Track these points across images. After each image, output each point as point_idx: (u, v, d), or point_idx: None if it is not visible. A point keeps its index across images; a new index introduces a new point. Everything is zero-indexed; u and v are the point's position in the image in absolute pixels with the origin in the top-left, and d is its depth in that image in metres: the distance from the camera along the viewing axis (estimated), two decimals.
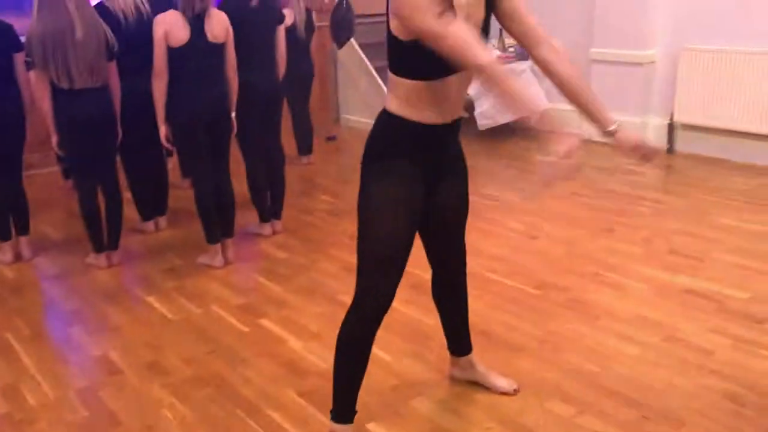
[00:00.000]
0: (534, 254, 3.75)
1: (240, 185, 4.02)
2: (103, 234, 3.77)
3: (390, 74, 1.94)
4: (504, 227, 4.15)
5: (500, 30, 6.57)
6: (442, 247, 2.26)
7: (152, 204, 4.29)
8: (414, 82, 1.88)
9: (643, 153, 2.02)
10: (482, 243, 3.83)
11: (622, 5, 5.62)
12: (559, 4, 6.22)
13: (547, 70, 2.02)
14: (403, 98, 1.92)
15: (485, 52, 1.75)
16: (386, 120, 1.98)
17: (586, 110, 2.00)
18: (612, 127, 1.97)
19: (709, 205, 4.37)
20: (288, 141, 4.88)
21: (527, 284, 3.38)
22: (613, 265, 3.57)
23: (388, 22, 1.86)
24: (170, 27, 3.38)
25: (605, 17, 5.77)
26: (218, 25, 3.50)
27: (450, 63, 1.78)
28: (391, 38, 1.86)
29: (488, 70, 1.75)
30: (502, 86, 1.77)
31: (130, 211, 4.12)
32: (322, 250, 3.96)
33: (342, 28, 6.08)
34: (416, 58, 1.83)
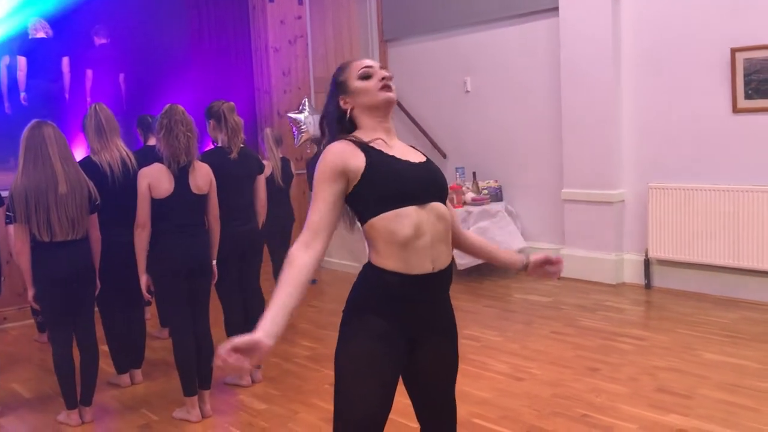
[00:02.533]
0: (521, 397, 3.67)
1: (219, 334, 3.96)
2: (76, 389, 3.64)
3: (362, 228, 1.97)
4: (489, 369, 4.08)
5: (474, 173, 6.81)
6: (430, 407, 2.13)
7: (128, 357, 4.19)
8: (379, 219, 1.91)
9: (549, 261, 2.27)
10: (468, 386, 3.76)
11: (588, 149, 5.88)
12: (530, 149, 6.51)
13: (469, 246, 2.27)
14: (378, 246, 1.93)
15: (300, 246, 1.89)
16: (366, 272, 1.98)
17: (504, 261, 2.31)
18: (526, 261, 2.28)
19: (691, 339, 4.37)
20: (269, 286, 4.86)
21: (515, 429, 3.28)
22: (601, 405, 3.50)
23: None
24: (154, 180, 3.47)
25: (573, 160, 6.02)
26: (202, 177, 3.59)
27: (402, 191, 1.91)
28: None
29: (288, 258, 1.89)
30: None
31: (104, 364, 4.01)
32: (302, 399, 3.84)
33: None
34: (365, 196, 1.93)
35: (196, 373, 3.64)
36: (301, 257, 1.87)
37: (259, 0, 7.23)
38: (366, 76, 2.05)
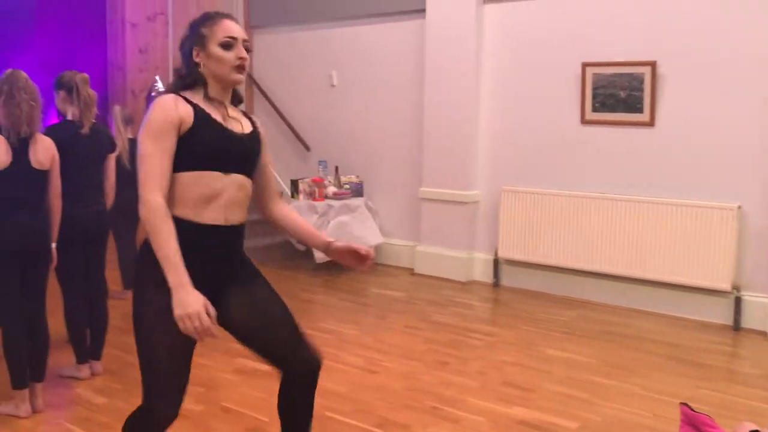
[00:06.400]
0: (374, 390, 3.69)
1: (55, 322, 3.67)
2: None
3: None
4: (343, 362, 4.07)
5: (336, 167, 6.79)
6: (277, 347, 2.21)
7: None
8: (183, 174, 2.04)
9: (356, 252, 2.29)
10: (322, 380, 3.70)
11: (446, 150, 6.04)
12: (392, 147, 6.59)
13: (281, 219, 2.37)
14: (174, 196, 2.04)
15: (155, 192, 1.97)
16: None
17: (314, 241, 2.35)
18: (331, 240, 2.33)
19: (535, 336, 4.59)
20: (112, 274, 4.59)
21: (368, 422, 3.29)
22: (450, 398, 3.59)
23: None
24: None
25: (431, 160, 6.16)
26: (43, 151, 3.29)
27: (213, 157, 2.06)
28: None
29: (147, 205, 1.97)
30: (153, 229, 1.96)
31: None
32: None
33: None
34: (180, 152, 2.03)
35: (28, 364, 3.34)
36: (168, 211, 1.97)
37: None
38: (227, 46, 2.09)
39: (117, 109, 5.31)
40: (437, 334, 4.62)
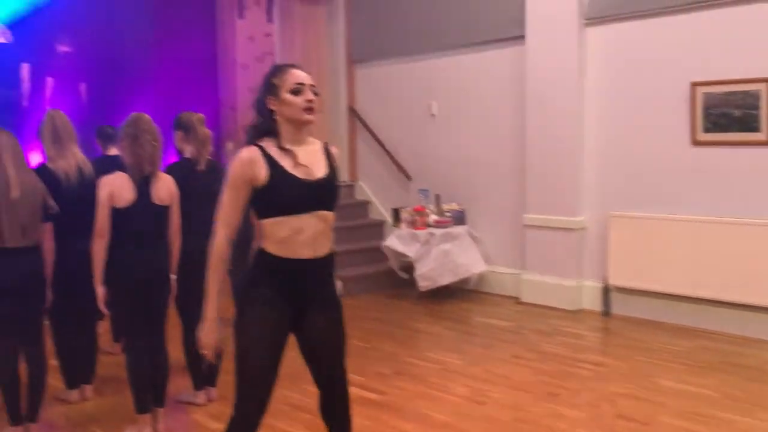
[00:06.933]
0: (481, 421, 3.64)
1: (174, 350, 3.85)
2: (21, 404, 3.49)
3: (257, 220, 2.40)
4: (450, 392, 4.05)
5: (437, 196, 6.80)
6: (321, 373, 2.50)
7: (79, 371, 4.04)
8: (269, 220, 2.33)
9: None
10: (428, 409, 3.71)
11: (550, 176, 5.95)
12: (493, 174, 6.56)
13: None
14: (266, 236, 2.35)
15: (222, 236, 2.39)
16: (256, 255, 2.40)
17: None
18: None
19: (649, 367, 4.41)
20: (227, 303, 4.78)
21: None
22: (561, 430, 3.49)
23: None
24: (116, 188, 3.38)
25: (535, 187, 6.08)
26: (164, 188, 3.51)
27: (291, 205, 2.32)
28: None
29: (216, 240, 2.39)
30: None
31: (53, 379, 3.86)
32: None
33: None
34: (263, 203, 2.35)
35: (151, 389, 3.53)
36: (227, 254, 2.38)
37: (228, 15, 7.19)
38: (296, 92, 2.34)
39: (230, 146, 5.58)
40: (546, 365, 4.52)
